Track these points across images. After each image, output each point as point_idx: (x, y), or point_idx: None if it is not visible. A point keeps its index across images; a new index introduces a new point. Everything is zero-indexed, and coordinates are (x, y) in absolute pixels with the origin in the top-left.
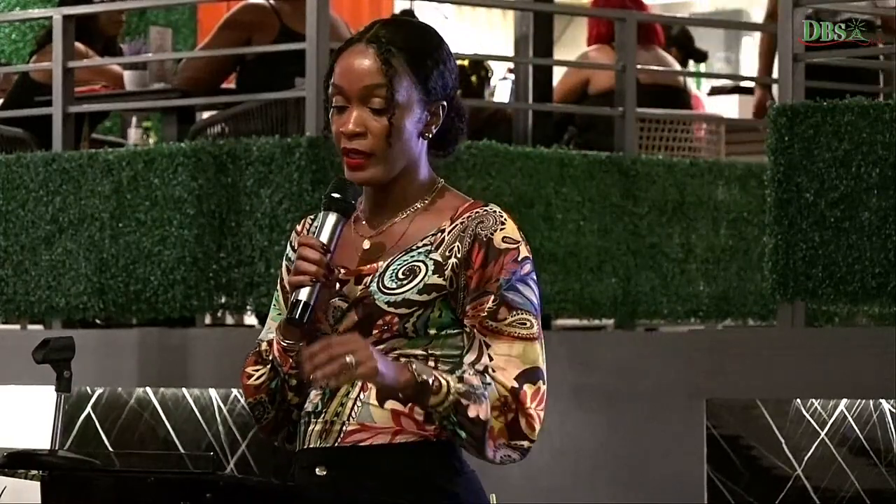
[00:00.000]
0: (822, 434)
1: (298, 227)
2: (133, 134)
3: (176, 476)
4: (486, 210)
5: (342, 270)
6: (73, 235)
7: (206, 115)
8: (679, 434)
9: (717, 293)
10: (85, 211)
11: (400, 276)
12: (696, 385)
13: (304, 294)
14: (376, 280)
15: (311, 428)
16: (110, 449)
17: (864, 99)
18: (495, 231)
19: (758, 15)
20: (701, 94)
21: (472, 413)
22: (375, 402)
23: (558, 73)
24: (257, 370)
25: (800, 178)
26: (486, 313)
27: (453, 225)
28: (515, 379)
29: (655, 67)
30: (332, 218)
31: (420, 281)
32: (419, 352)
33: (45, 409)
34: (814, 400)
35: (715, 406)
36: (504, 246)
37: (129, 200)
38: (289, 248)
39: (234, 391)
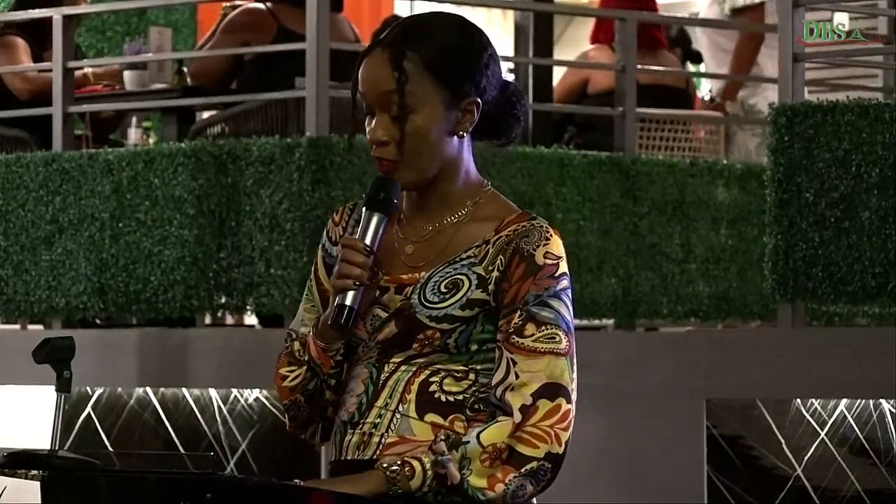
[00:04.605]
0: (822, 434)
1: (336, 216)
2: (133, 134)
3: (176, 476)
4: (532, 223)
5: (384, 276)
6: (73, 235)
7: (206, 115)
8: (679, 434)
9: (717, 293)
10: (85, 211)
11: (442, 289)
12: (696, 385)
13: (348, 299)
14: (418, 292)
15: (347, 439)
16: (110, 449)
17: (864, 99)
18: (539, 246)
19: None
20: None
21: (449, 482)
22: (415, 415)
23: (558, 73)
24: (292, 371)
25: (800, 178)
26: (512, 329)
27: (498, 236)
28: (532, 395)
29: (656, 68)
30: (375, 218)
31: (463, 296)
32: (460, 367)
33: (45, 409)
34: (814, 400)
35: (715, 406)
36: (544, 262)
37: (129, 200)
38: (324, 236)
39: (234, 391)
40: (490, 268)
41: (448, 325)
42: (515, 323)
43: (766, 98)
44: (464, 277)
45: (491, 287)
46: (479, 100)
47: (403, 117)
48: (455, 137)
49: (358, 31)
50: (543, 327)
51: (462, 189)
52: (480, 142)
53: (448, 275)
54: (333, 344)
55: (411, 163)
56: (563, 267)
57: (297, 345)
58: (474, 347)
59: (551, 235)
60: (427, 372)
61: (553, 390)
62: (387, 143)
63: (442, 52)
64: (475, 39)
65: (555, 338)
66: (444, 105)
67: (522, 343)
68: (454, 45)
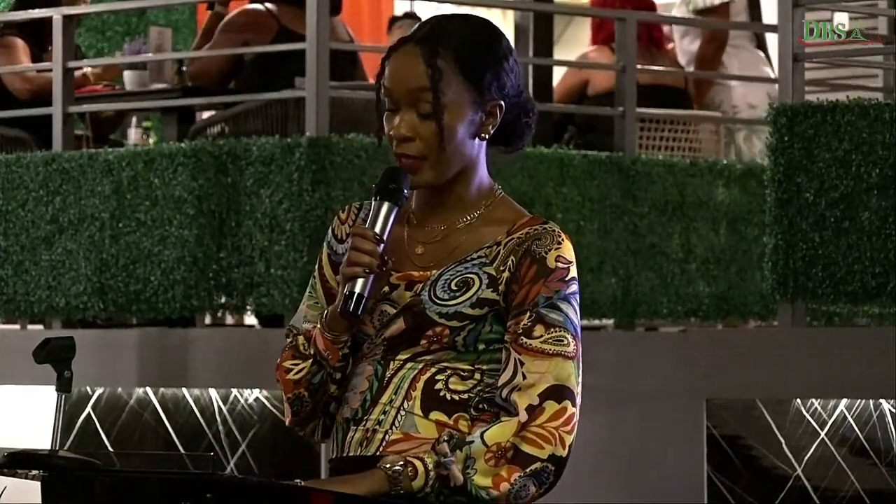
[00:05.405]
0: (822, 434)
1: (342, 215)
2: (133, 134)
3: (176, 476)
4: (544, 227)
5: (393, 273)
6: (73, 235)
7: (206, 115)
8: (679, 434)
9: (717, 293)
10: (85, 211)
11: (453, 286)
12: (696, 385)
13: (358, 286)
14: (428, 288)
15: (350, 435)
16: (110, 449)
17: (864, 99)
18: (550, 250)
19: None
20: None
21: (452, 483)
22: (420, 412)
23: (558, 74)
24: (297, 364)
25: (800, 178)
26: (521, 330)
27: (509, 238)
28: (539, 395)
29: (656, 68)
30: (385, 207)
31: (473, 294)
32: (466, 366)
33: (45, 409)
34: (814, 400)
35: (715, 406)
36: (556, 265)
37: (129, 200)
38: (329, 234)
39: (234, 391)
40: (501, 268)
41: (457, 323)
42: (524, 324)
43: (731, 98)
44: (474, 276)
45: (501, 287)
46: (502, 103)
47: (438, 115)
48: (476, 139)
49: (353, 33)
50: (552, 329)
51: (476, 192)
52: (490, 147)
53: (459, 273)
54: (342, 335)
55: (436, 161)
56: (574, 272)
57: (301, 339)
58: (482, 347)
59: (563, 240)
60: (433, 370)
61: (560, 392)
62: (412, 139)
63: (473, 53)
64: (503, 44)
65: (563, 340)
66: (471, 106)
67: (530, 344)
68: (484, 47)
